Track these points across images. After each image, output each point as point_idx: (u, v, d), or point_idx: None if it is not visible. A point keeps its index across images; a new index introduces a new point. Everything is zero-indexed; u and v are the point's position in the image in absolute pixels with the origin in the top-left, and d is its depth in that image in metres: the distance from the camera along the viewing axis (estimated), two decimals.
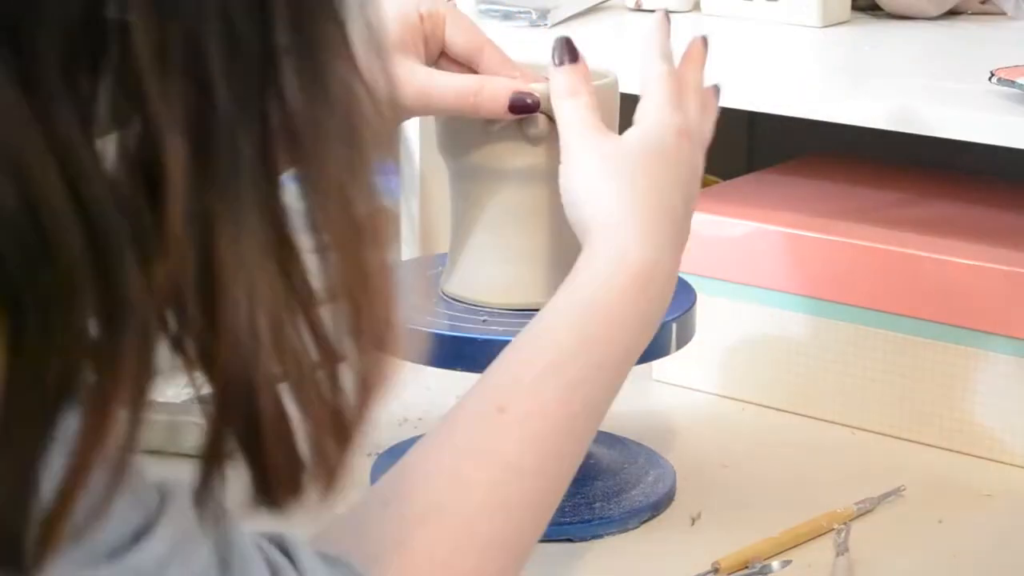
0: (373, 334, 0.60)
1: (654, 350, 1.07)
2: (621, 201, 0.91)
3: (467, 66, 1.02)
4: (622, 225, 0.89)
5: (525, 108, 0.99)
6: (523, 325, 1.03)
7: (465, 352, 1.02)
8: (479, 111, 0.98)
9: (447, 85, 0.98)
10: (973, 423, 1.17)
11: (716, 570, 0.99)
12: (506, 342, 1.01)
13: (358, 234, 0.60)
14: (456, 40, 1.02)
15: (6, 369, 0.51)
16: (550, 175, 1.04)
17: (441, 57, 1.03)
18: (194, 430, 1.14)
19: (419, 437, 1.17)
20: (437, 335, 1.03)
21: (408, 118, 1.03)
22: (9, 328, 0.51)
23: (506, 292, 1.06)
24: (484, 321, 1.04)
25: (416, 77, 0.97)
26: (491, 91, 0.98)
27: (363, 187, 0.61)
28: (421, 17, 1.00)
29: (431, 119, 1.07)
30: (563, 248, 1.06)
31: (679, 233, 0.93)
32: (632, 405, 1.25)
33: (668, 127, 0.95)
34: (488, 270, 1.06)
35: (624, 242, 0.89)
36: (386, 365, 0.60)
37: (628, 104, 1.08)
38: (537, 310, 1.05)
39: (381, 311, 0.60)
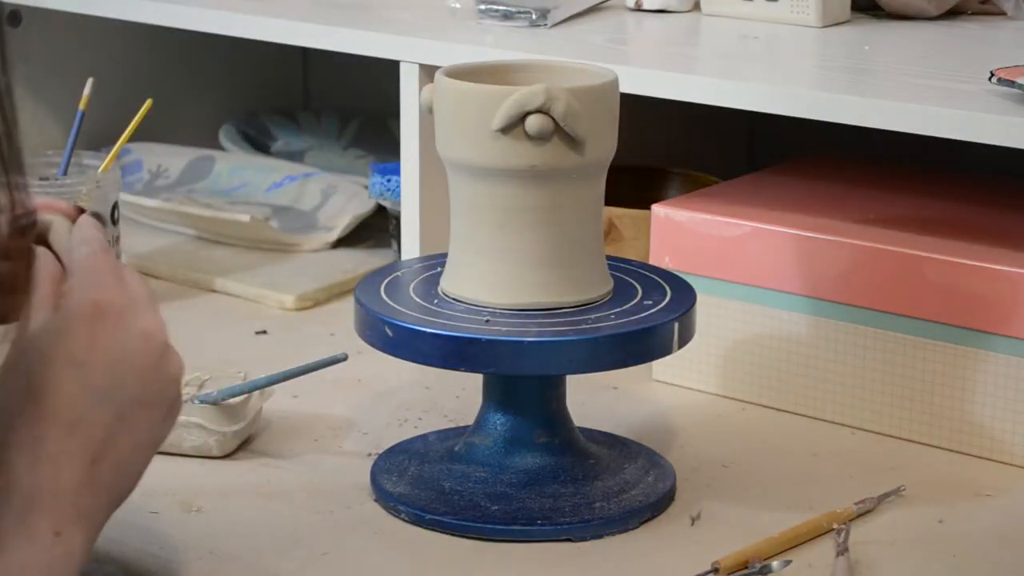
0: None
1: (654, 350, 1.07)
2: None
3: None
4: None
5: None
6: (523, 325, 1.03)
7: (466, 352, 1.02)
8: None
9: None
10: (973, 423, 1.17)
11: (716, 570, 0.99)
12: (507, 342, 1.01)
13: None
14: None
15: None
16: (551, 175, 1.04)
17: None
18: (194, 430, 1.14)
19: (419, 437, 1.17)
20: (437, 335, 1.03)
21: None
22: None
23: (507, 292, 1.06)
24: (486, 321, 1.04)
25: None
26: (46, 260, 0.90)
27: None
28: None
29: (431, 121, 1.07)
30: (564, 248, 1.06)
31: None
32: (632, 405, 1.25)
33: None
34: (488, 270, 1.06)
35: None
36: None
37: (628, 104, 1.08)
38: (537, 310, 1.05)
39: None
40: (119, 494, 0.83)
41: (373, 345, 1.07)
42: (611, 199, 1.15)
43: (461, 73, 1.07)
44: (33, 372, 0.81)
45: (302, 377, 1.16)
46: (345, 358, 1.13)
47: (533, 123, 1.02)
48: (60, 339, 0.81)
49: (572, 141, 1.03)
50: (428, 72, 1.36)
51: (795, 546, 1.03)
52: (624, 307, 1.07)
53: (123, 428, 0.82)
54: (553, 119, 1.02)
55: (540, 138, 1.02)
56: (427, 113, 1.08)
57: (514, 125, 1.02)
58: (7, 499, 0.78)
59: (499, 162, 1.03)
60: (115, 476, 0.82)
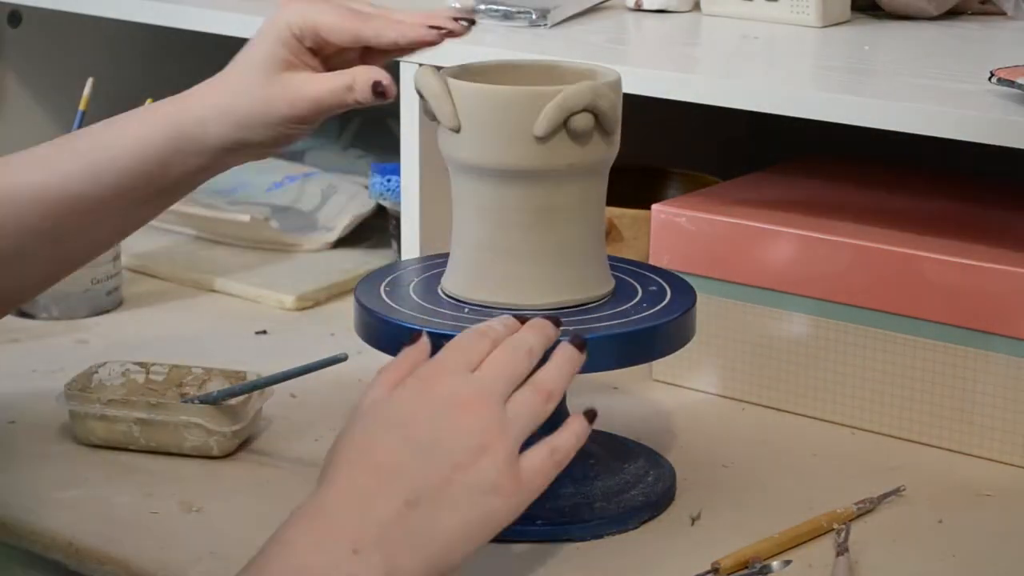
0: None
1: (654, 350, 1.07)
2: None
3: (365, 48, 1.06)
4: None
5: (381, 94, 1.03)
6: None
7: None
8: (358, 102, 1.04)
9: (324, 88, 1.04)
10: (973, 423, 1.17)
11: (716, 570, 0.99)
12: None
13: None
14: (338, 37, 1.05)
15: None
16: (553, 175, 1.04)
17: (341, 52, 1.06)
18: (195, 430, 1.14)
19: None
20: (438, 335, 1.02)
21: (312, 124, 1.06)
22: None
23: (508, 292, 1.06)
24: (481, 320, 1.04)
25: (300, 89, 1.04)
26: (360, 83, 1.03)
27: None
28: (294, 35, 1.05)
29: (431, 124, 1.07)
30: (566, 248, 1.06)
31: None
32: (632, 405, 1.26)
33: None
34: (490, 270, 1.06)
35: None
36: None
37: (628, 104, 1.08)
38: (538, 310, 1.05)
39: None
40: (429, 556, 0.85)
41: (375, 346, 1.07)
42: (611, 199, 1.15)
43: (462, 76, 1.06)
44: (363, 431, 0.88)
45: (302, 377, 1.16)
46: (345, 358, 1.13)
47: (581, 122, 1.02)
48: (386, 403, 0.89)
49: (607, 137, 1.04)
50: None
51: (795, 546, 1.03)
52: (624, 307, 1.07)
53: (439, 481, 0.86)
54: (595, 116, 1.02)
55: (584, 136, 1.03)
56: (431, 120, 1.07)
57: (559, 126, 1.02)
58: (310, 520, 0.84)
59: (502, 162, 1.03)
60: (428, 532, 0.85)
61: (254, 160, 1.09)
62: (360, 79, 1.03)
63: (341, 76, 1.04)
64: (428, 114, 1.06)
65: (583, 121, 1.02)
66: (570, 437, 0.92)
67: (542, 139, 1.02)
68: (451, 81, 1.05)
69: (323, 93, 1.04)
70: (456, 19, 1.05)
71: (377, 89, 1.03)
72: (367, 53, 1.07)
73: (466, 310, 1.06)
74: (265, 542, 0.84)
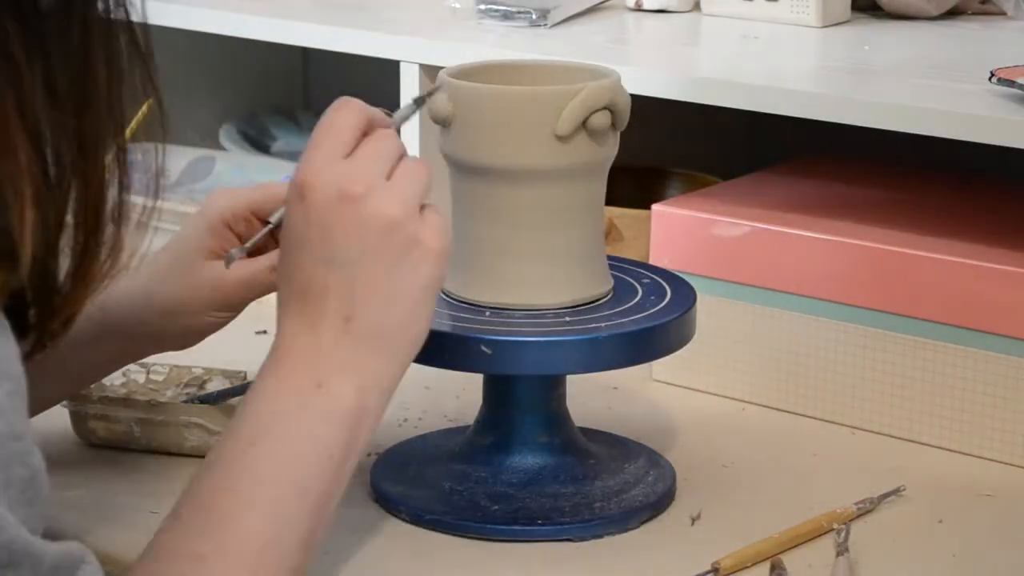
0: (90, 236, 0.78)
1: (654, 350, 1.07)
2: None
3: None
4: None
5: None
6: (524, 325, 1.03)
7: (466, 352, 1.02)
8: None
9: (247, 271, 1.05)
10: (973, 423, 1.17)
11: (716, 570, 0.99)
12: (507, 342, 1.01)
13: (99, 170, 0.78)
14: (274, 207, 1.04)
15: None
16: (567, 174, 1.04)
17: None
18: (195, 430, 1.14)
19: (419, 437, 1.17)
20: (438, 334, 1.03)
21: (236, 311, 1.08)
22: None
23: (508, 291, 1.06)
24: (487, 321, 1.04)
25: (224, 274, 1.05)
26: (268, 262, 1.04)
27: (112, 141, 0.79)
28: (226, 223, 1.07)
29: (433, 126, 1.07)
30: (567, 248, 1.06)
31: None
32: (632, 405, 1.25)
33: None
34: (490, 270, 1.06)
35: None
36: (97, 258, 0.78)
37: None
38: (538, 310, 1.05)
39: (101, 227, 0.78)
40: (394, 347, 0.91)
41: None
42: (611, 199, 1.15)
43: (462, 75, 1.06)
44: (283, 260, 0.92)
45: None
46: (423, 101, 1.11)
47: (600, 120, 1.02)
48: (287, 226, 0.92)
49: (616, 135, 1.04)
50: (428, 72, 1.36)
51: (795, 546, 1.03)
52: (624, 307, 1.07)
53: (361, 283, 0.89)
54: (612, 114, 1.03)
55: (601, 134, 1.03)
56: (439, 124, 1.06)
57: (580, 125, 1.02)
58: (272, 365, 0.89)
59: (503, 163, 1.03)
60: (376, 326, 0.90)
61: (176, 351, 1.10)
62: (267, 261, 1.04)
63: (263, 258, 1.04)
64: (440, 118, 1.05)
65: (602, 119, 1.03)
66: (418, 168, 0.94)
67: (563, 138, 1.02)
68: (464, 83, 1.04)
69: (247, 275, 1.05)
70: None
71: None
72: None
73: (487, 313, 1.05)
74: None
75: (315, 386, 0.88)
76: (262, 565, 0.84)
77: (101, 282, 0.80)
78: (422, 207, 0.92)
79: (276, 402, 0.88)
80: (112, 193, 0.79)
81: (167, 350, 1.10)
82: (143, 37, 0.84)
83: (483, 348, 1.01)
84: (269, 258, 1.04)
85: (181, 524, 0.85)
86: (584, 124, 1.03)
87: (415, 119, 1.37)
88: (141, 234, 0.82)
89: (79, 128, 0.77)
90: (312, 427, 0.87)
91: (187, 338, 1.08)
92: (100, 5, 0.78)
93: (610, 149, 1.06)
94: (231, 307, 1.07)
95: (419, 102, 1.02)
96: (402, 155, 0.94)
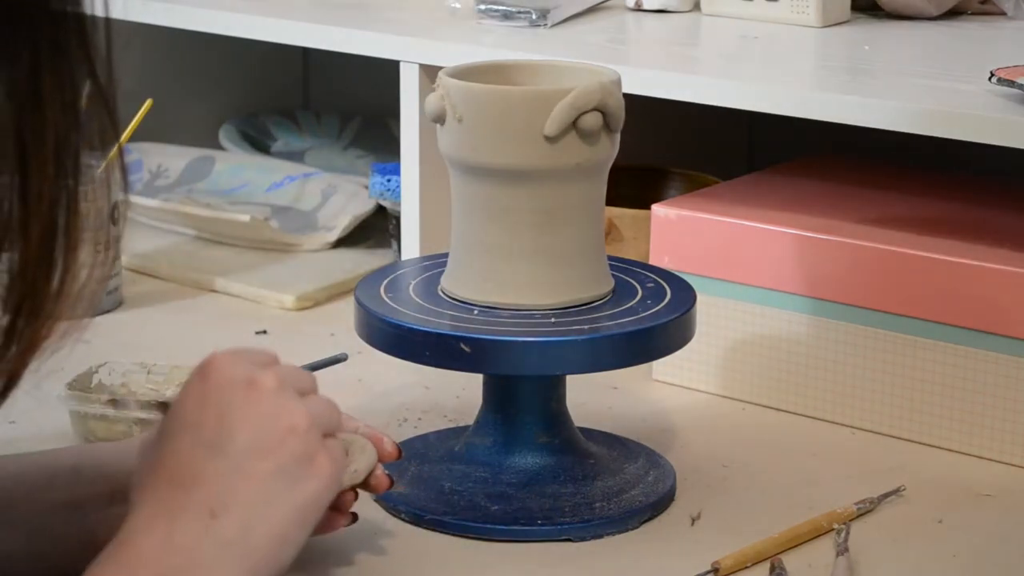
0: (37, 306, 0.70)
1: (654, 350, 1.07)
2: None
3: None
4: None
5: None
6: (524, 325, 1.03)
7: (465, 352, 1.02)
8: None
9: None
10: (973, 423, 1.17)
11: (716, 570, 0.99)
12: (506, 342, 1.01)
13: (52, 232, 0.69)
14: None
15: None
16: (560, 175, 1.04)
17: None
18: None
19: (419, 437, 1.17)
20: (437, 334, 1.03)
21: None
22: None
23: (509, 292, 1.06)
24: (486, 320, 1.04)
25: None
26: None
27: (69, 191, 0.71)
28: None
29: (431, 124, 1.07)
30: (567, 248, 1.06)
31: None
32: (632, 405, 1.25)
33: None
34: (491, 270, 1.06)
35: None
36: (42, 331, 0.71)
37: (628, 104, 1.08)
38: (539, 310, 1.05)
39: (50, 290, 0.71)
40: (255, 560, 0.81)
41: (375, 346, 1.07)
42: (611, 199, 1.15)
43: (462, 75, 1.06)
44: (159, 443, 0.83)
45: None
46: (345, 358, 1.13)
47: (590, 121, 1.02)
48: (177, 407, 0.83)
49: (611, 136, 1.04)
50: (428, 72, 1.36)
51: (795, 546, 1.03)
52: (624, 307, 1.07)
53: (242, 479, 0.81)
54: (604, 115, 1.03)
55: (592, 136, 1.03)
56: (435, 122, 1.06)
57: (569, 125, 1.03)
58: (117, 552, 0.79)
59: (504, 163, 1.03)
60: (243, 531, 0.81)
61: None
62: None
63: None
64: (433, 116, 1.06)
65: (592, 120, 1.03)
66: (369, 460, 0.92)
67: (552, 139, 1.02)
68: (458, 82, 1.04)
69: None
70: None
71: None
72: None
73: (476, 311, 1.05)
74: None
75: None
76: None
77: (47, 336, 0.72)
78: (325, 435, 0.86)
79: None
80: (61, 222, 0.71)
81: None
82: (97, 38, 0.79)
83: (462, 347, 1.01)
84: None
85: None
86: (574, 125, 1.03)
87: (415, 119, 1.37)
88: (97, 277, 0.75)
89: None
90: None
91: None
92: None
93: (604, 150, 1.05)
94: None
95: (340, 359, 1.05)
96: (315, 389, 0.89)
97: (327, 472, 0.85)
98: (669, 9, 1.50)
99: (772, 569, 0.99)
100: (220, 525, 0.80)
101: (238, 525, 0.80)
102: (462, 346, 1.02)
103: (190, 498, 0.80)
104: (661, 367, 1.28)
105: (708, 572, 0.99)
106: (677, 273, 1.15)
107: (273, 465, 0.82)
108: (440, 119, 1.05)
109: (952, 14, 1.50)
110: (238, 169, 1.75)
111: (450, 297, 1.08)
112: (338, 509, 0.95)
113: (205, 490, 0.80)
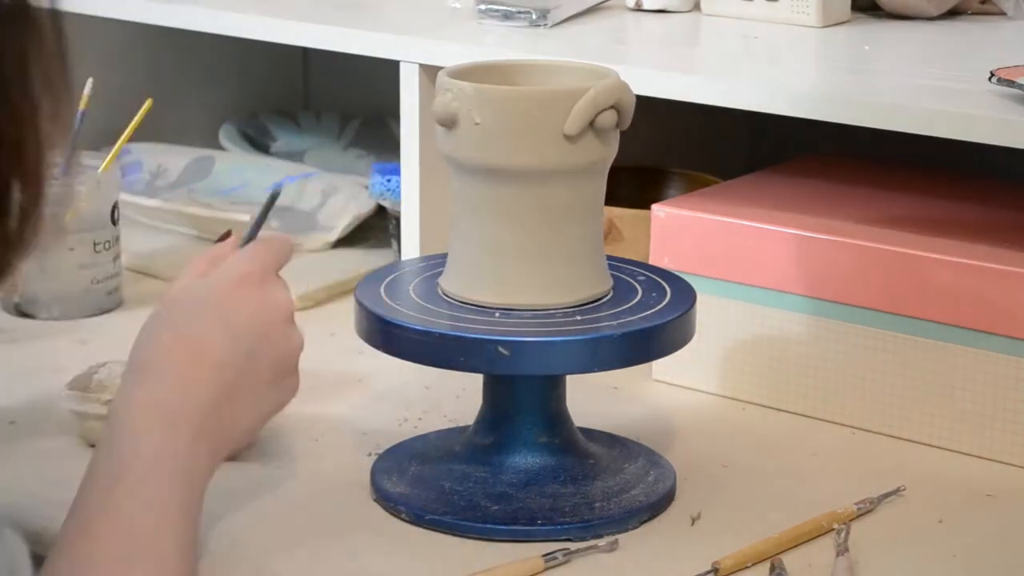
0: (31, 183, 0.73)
1: (654, 350, 1.07)
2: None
3: None
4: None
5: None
6: (523, 324, 1.03)
7: (466, 352, 1.02)
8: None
9: None
10: (973, 423, 1.17)
11: (716, 570, 0.99)
12: (506, 342, 1.01)
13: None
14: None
15: None
16: (561, 175, 1.04)
17: None
18: None
19: (419, 437, 1.17)
20: (437, 334, 1.03)
21: None
22: None
23: (507, 291, 1.06)
24: (485, 320, 1.04)
25: None
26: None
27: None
28: None
29: (430, 121, 1.07)
30: (567, 247, 1.06)
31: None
32: (632, 405, 1.25)
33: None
34: (491, 270, 1.06)
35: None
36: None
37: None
38: (538, 310, 1.05)
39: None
40: (225, 444, 0.97)
41: (375, 346, 1.07)
42: (611, 199, 1.15)
43: (463, 76, 1.06)
44: (187, 320, 0.98)
45: (301, 377, 1.16)
46: (279, 192, 1.12)
47: (607, 119, 1.03)
48: (211, 295, 0.99)
49: (617, 134, 1.04)
50: (428, 72, 1.36)
51: (795, 546, 1.03)
52: (624, 307, 1.07)
53: (248, 377, 0.98)
54: (618, 113, 1.03)
55: (607, 133, 1.03)
56: (445, 126, 1.06)
57: (587, 125, 1.03)
58: (148, 409, 0.93)
59: (503, 163, 1.03)
60: (231, 423, 0.97)
61: None
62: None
63: None
64: (445, 120, 1.05)
65: (608, 118, 1.03)
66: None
67: (571, 138, 1.02)
68: (475, 85, 1.04)
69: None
70: None
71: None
72: None
73: (496, 314, 1.05)
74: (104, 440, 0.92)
75: (191, 440, 0.93)
76: None
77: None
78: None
79: (151, 443, 0.92)
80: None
81: None
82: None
83: (500, 350, 1.01)
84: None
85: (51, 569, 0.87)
86: (591, 123, 1.03)
87: (415, 119, 1.37)
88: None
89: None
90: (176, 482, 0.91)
91: None
92: None
93: (614, 149, 1.06)
94: None
95: (275, 196, 1.11)
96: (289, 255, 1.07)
97: (294, 393, 1.03)
98: (669, 9, 1.50)
99: (772, 569, 1.00)
100: (229, 408, 0.96)
101: (232, 416, 0.97)
102: (499, 349, 1.01)
103: (216, 380, 0.96)
104: (661, 367, 1.28)
105: (708, 572, 0.99)
106: (677, 273, 1.15)
107: (267, 375, 0.99)
108: (451, 123, 1.04)
109: (952, 14, 1.50)
110: (238, 169, 1.75)
111: (449, 297, 1.08)
112: None
113: (226, 377, 0.96)
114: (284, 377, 1.01)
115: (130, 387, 0.94)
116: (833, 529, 1.04)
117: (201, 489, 0.94)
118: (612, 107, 1.03)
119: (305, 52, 1.92)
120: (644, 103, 1.21)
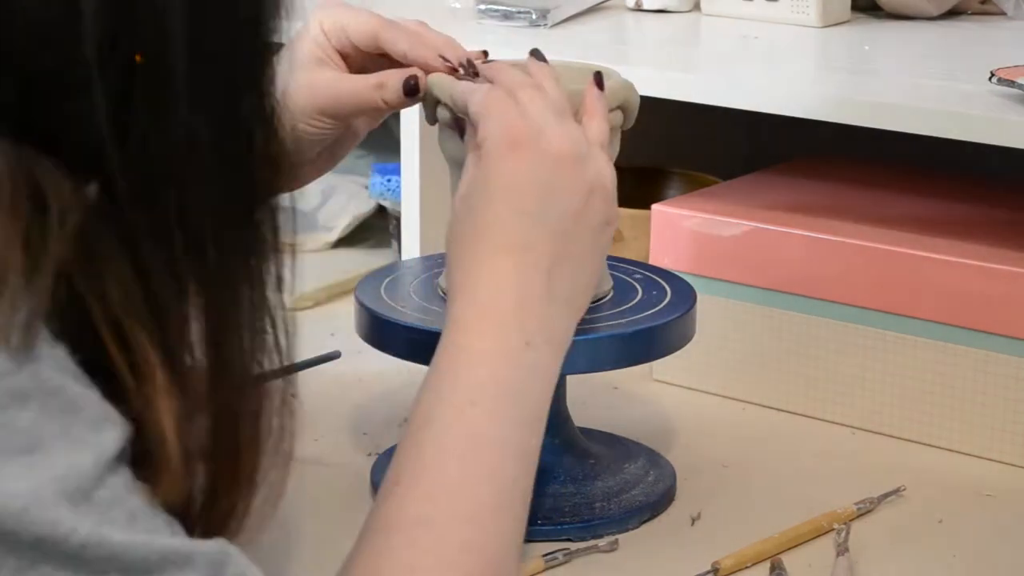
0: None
1: (654, 350, 1.07)
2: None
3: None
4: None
5: (413, 90, 1.03)
6: None
7: None
8: (386, 102, 1.04)
9: (354, 84, 1.04)
10: (973, 423, 1.17)
11: (716, 570, 0.99)
12: None
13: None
14: (358, 36, 1.05)
15: None
16: None
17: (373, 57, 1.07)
18: None
19: None
20: (437, 334, 1.02)
21: (333, 125, 1.06)
22: None
23: None
24: None
25: (329, 83, 1.04)
26: (392, 81, 1.03)
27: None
28: (324, 33, 1.05)
29: (434, 128, 1.07)
30: None
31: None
32: (632, 405, 1.25)
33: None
34: None
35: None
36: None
37: None
38: None
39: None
40: (576, 308, 0.94)
41: (375, 346, 1.07)
42: None
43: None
44: (475, 213, 0.92)
45: (301, 377, 1.16)
46: (338, 355, 1.13)
47: (615, 119, 1.03)
48: (489, 179, 0.92)
49: (619, 135, 1.04)
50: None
51: (795, 546, 1.03)
52: (624, 307, 1.07)
53: (566, 242, 0.92)
54: (623, 114, 1.03)
55: (613, 133, 1.03)
56: (451, 128, 1.05)
57: None
58: (478, 317, 0.89)
59: None
60: (570, 289, 0.93)
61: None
62: (392, 78, 1.04)
63: (372, 76, 1.04)
64: (445, 120, 1.05)
65: (616, 118, 1.03)
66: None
67: None
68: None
69: (353, 88, 1.04)
70: (466, 64, 1.04)
71: (410, 83, 1.03)
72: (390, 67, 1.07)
73: None
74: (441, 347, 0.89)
75: (524, 345, 0.89)
76: (497, 527, 0.83)
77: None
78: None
79: (491, 362, 0.88)
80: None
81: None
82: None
83: None
84: (378, 75, 1.04)
85: (404, 490, 0.84)
86: None
87: (415, 119, 1.37)
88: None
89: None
90: (524, 386, 0.88)
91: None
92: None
93: (616, 149, 1.06)
94: (335, 116, 1.05)
95: (333, 357, 1.12)
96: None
97: (615, 221, 0.96)
98: (669, 9, 1.50)
99: (772, 569, 1.00)
100: (554, 284, 0.91)
101: (568, 281, 0.92)
102: None
103: (526, 261, 0.90)
104: (661, 367, 1.28)
105: (708, 572, 0.99)
106: (677, 273, 1.15)
107: (586, 226, 0.93)
108: (452, 123, 1.04)
109: (952, 14, 1.50)
110: None
111: (446, 296, 1.07)
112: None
113: (537, 253, 0.91)
114: (603, 219, 0.95)
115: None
116: (833, 529, 1.04)
117: (551, 380, 0.90)
118: (618, 107, 1.03)
119: None
120: (644, 103, 1.20)
